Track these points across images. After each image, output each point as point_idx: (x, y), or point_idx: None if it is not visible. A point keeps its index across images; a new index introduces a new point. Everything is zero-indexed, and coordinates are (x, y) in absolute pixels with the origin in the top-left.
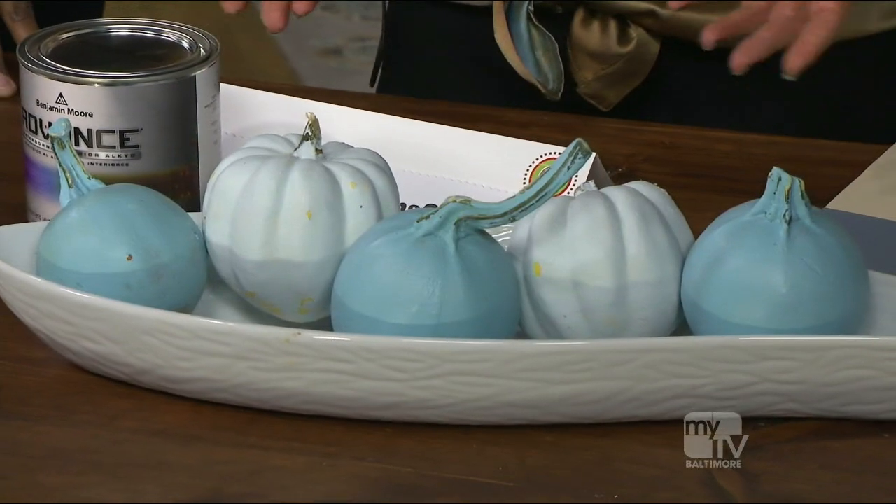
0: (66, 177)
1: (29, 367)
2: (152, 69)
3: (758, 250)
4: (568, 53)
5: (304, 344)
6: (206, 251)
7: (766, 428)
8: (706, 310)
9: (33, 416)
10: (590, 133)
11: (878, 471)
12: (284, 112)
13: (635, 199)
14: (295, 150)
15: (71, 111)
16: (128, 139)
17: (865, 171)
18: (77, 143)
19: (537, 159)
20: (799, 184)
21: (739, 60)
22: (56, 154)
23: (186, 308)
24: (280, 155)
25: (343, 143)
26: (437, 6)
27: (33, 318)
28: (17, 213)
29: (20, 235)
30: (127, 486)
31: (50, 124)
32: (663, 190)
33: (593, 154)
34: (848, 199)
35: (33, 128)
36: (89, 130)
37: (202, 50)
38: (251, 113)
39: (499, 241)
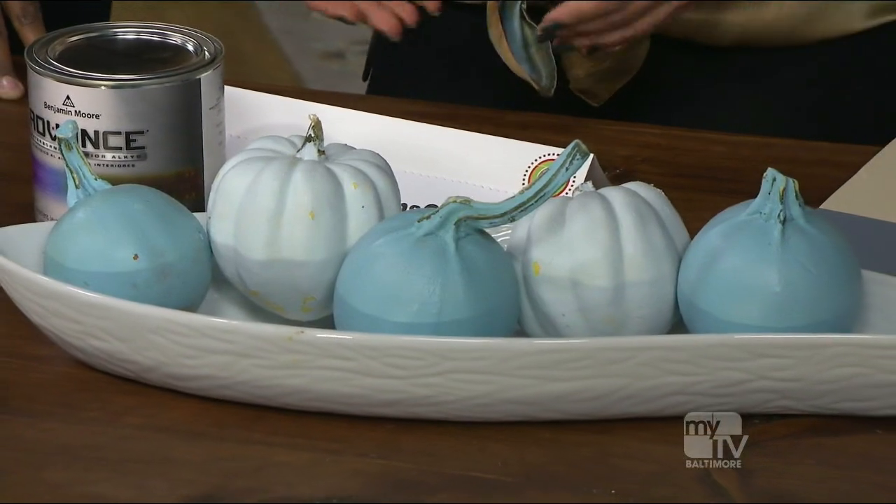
0: (73, 178)
1: (36, 364)
2: (158, 72)
3: (753, 250)
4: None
5: (307, 342)
6: (211, 251)
7: (761, 425)
8: (702, 308)
9: (40, 412)
10: (588, 135)
11: (871, 466)
12: (287, 114)
13: (632, 200)
14: (298, 151)
15: (78, 113)
16: (134, 140)
17: (859, 172)
18: (84, 145)
19: (536, 160)
20: (793, 184)
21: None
22: (63, 155)
23: (191, 307)
24: (283, 156)
25: (345, 144)
26: None
27: (40, 317)
28: (25, 213)
29: (28, 235)
30: (132, 482)
31: (57, 126)
32: (660, 190)
33: (591, 155)
34: (841, 200)
35: (41, 129)
36: (96, 132)
37: (207, 53)
38: (255, 115)
39: (498, 240)
